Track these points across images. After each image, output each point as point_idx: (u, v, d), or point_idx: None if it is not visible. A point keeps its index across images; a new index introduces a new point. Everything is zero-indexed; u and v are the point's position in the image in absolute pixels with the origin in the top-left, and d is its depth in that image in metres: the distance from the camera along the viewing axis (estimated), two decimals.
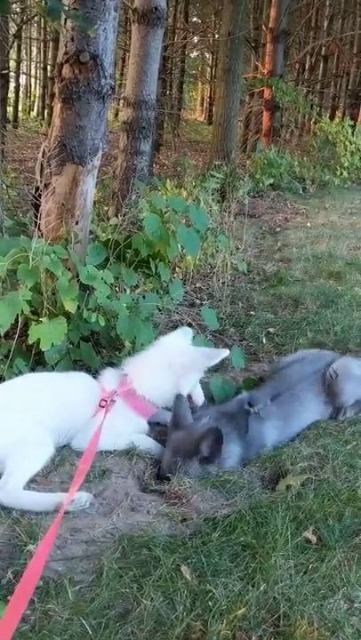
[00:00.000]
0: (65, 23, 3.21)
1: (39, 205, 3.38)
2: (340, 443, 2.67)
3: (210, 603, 1.78)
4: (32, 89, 28.49)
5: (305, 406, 2.90)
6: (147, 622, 1.72)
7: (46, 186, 3.35)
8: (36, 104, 25.99)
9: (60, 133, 3.29)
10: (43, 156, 3.35)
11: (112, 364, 3.29)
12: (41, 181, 3.37)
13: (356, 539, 2.07)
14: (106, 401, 2.60)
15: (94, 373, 3.00)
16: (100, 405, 2.60)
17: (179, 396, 2.68)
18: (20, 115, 21.42)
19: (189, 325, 3.81)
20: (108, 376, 2.81)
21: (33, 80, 27.71)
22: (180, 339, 2.93)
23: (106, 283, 3.22)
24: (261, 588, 1.84)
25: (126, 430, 2.65)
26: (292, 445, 2.68)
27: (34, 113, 25.17)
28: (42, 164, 3.36)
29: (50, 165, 3.31)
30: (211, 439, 2.43)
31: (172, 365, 2.75)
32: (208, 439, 2.44)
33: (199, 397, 2.89)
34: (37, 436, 2.36)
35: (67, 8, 3.12)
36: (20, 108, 21.96)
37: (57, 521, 1.84)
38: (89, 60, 3.20)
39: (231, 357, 3.45)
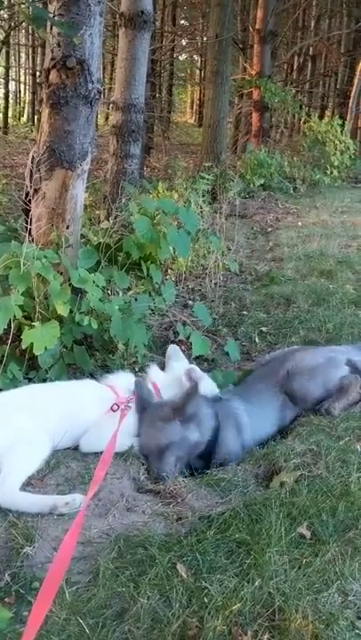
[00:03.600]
0: (51, 29, 3.23)
1: (29, 211, 3.39)
2: (333, 439, 2.69)
3: (205, 599, 1.80)
4: (21, 95, 28.49)
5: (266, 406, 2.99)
6: (143, 620, 1.74)
7: (36, 191, 3.36)
8: (25, 110, 25.99)
9: (49, 138, 3.31)
10: (32, 162, 3.37)
11: (106, 367, 3.32)
12: (31, 187, 3.38)
13: (350, 533, 2.10)
14: (118, 405, 2.63)
15: (89, 376, 3.03)
16: (111, 409, 2.61)
17: (137, 382, 2.78)
18: (9, 121, 21.43)
19: (183, 324, 3.84)
20: (122, 381, 2.84)
21: (22, 86, 27.74)
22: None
23: (97, 285, 3.24)
24: (256, 583, 1.86)
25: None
26: (285, 442, 2.70)
27: (24, 119, 25.16)
28: (31, 170, 3.37)
29: (39, 170, 3.32)
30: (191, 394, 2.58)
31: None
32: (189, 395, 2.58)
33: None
34: (33, 437, 2.38)
35: (52, 14, 3.14)
36: (9, 114, 21.96)
37: (78, 522, 1.87)
38: (76, 66, 3.22)
39: (228, 351, 3.63)
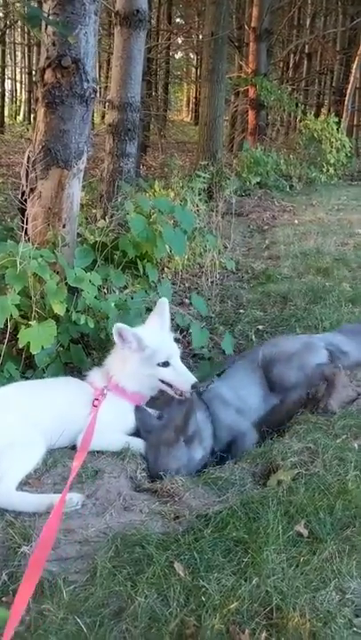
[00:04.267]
0: (46, 28, 3.22)
1: (25, 210, 3.39)
2: (330, 437, 2.69)
3: (203, 598, 1.80)
4: (18, 94, 28.42)
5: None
6: (141, 619, 1.74)
7: (32, 190, 3.36)
8: (22, 109, 25.92)
9: (45, 138, 3.31)
10: (27, 161, 3.37)
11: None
12: (27, 186, 3.38)
13: (347, 531, 2.10)
14: (97, 399, 2.64)
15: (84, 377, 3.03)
16: (93, 405, 2.62)
17: (136, 408, 2.75)
18: (6, 120, 21.38)
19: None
20: (95, 375, 2.85)
21: (18, 85, 27.67)
22: (153, 325, 2.88)
23: (93, 284, 3.24)
24: (254, 581, 1.86)
25: (126, 422, 2.70)
26: (282, 441, 2.70)
27: (20, 118, 25.10)
28: (27, 169, 3.37)
29: (35, 170, 3.32)
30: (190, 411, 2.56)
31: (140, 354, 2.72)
32: (188, 413, 2.56)
33: (182, 384, 2.72)
34: (28, 437, 2.38)
35: (47, 14, 3.14)
36: (6, 113, 21.92)
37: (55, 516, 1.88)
38: (71, 64, 3.22)
39: (222, 343, 3.70)
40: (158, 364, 2.72)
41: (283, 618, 1.75)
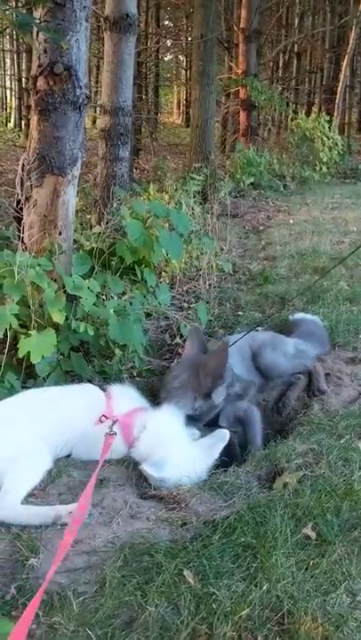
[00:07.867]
0: (37, 36, 3.22)
1: (21, 219, 3.38)
2: (334, 437, 2.69)
3: (214, 605, 1.79)
4: (7, 101, 28.38)
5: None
6: (152, 629, 1.72)
7: (27, 198, 3.35)
8: (12, 116, 25.88)
9: (39, 145, 3.30)
10: (22, 169, 3.36)
11: (104, 373, 3.31)
12: (22, 194, 3.37)
13: (355, 532, 2.09)
14: (107, 418, 2.57)
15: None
16: (99, 420, 2.56)
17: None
18: None
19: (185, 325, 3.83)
20: (122, 400, 2.72)
21: (8, 92, 27.64)
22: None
23: (92, 291, 3.23)
24: (264, 587, 1.85)
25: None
26: (286, 443, 2.70)
27: (11, 124, 25.06)
28: (22, 177, 3.36)
29: (30, 178, 3.31)
30: None
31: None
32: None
33: None
34: (34, 451, 2.36)
35: (38, 20, 3.13)
36: None
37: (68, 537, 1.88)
38: (63, 71, 3.21)
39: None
40: None
41: (294, 623, 1.74)
